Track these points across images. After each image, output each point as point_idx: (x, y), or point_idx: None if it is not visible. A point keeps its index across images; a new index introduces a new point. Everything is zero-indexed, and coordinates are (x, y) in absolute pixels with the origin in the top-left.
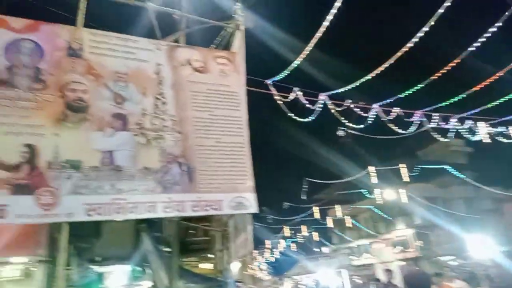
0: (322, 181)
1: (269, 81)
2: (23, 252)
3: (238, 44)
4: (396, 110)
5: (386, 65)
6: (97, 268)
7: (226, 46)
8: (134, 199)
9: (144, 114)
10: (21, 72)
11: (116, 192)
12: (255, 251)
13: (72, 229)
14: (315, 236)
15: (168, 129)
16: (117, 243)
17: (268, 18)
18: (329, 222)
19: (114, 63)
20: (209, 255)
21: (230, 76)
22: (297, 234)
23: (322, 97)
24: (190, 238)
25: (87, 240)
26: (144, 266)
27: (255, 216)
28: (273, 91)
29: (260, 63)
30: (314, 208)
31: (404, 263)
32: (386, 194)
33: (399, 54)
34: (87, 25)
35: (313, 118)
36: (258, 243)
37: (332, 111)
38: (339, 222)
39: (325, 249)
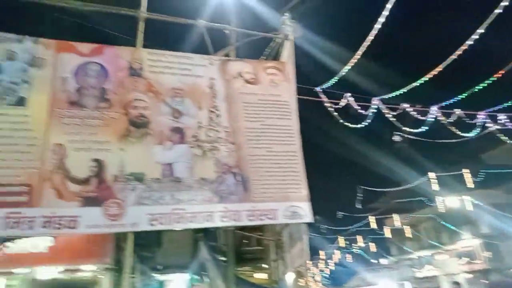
0: (378, 189)
1: (318, 89)
2: (91, 260)
3: (287, 53)
4: (458, 112)
5: (443, 66)
6: (158, 276)
7: (276, 57)
8: (193, 209)
9: (199, 127)
10: (88, 93)
11: (176, 203)
12: (309, 262)
13: (135, 239)
14: (372, 246)
15: (222, 140)
16: (177, 252)
17: (315, 26)
18: (387, 232)
19: (171, 80)
20: (263, 265)
21: (280, 85)
22: (353, 244)
23: (375, 101)
24: (244, 247)
25: (150, 249)
26: (202, 274)
27: (308, 226)
28: (324, 98)
29: (309, 71)
30: (370, 217)
31: (471, 275)
32: (448, 201)
33: (458, 53)
34: (144, 45)
35: (366, 123)
36: (312, 254)
37: (387, 115)
38: (397, 232)
39: (383, 261)
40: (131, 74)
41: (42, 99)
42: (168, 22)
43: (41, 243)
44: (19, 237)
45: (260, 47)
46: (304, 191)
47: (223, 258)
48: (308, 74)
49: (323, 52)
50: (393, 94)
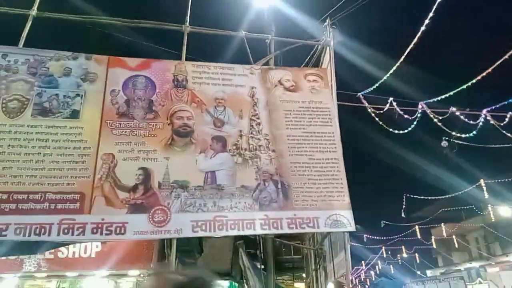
0: (423, 197)
1: (361, 94)
2: (136, 266)
3: (327, 60)
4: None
5: (493, 67)
6: None
7: (316, 64)
8: (234, 216)
9: (241, 135)
10: (137, 105)
11: (218, 210)
12: (351, 272)
13: (178, 245)
14: (418, 257)
15: (263, 148)
16: (217, 259)
17: (355, 32)
18: (434, 242)
19: (214, 90)
20: (303, 274)
21: (321, 92)
22: (397, 255)
23: (421, 106)
24: (283, 256)
25: (191, 255)
26: (241, 282)
27: (350, 235)
28: (366, 103)
29: (350, 77)
30: (416, 226)
31: None
32: (501, 210)
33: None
34: (187, 56)
35: (411, 129)
36: (354, 264)
37: (435, 119)
38: (444, 242)
39: (429, 272)
40: (176, 86)
41: (94, 112)
42: (210, 34)
43: (90, 249)
44: (73, 243)
45: (301, 55)
46: (346, 199)
47: (263, 266)
48: (349, 80)
49: (364, 58)
50: (440, 97)
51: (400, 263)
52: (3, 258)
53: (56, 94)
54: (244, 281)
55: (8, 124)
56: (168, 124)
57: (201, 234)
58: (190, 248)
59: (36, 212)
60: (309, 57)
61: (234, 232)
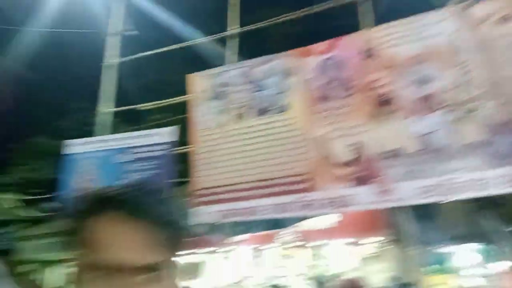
0: None
1: None
2: (373, 234)
3: None
4: None
5: None
6: (440, 248)
7: None
8: (461, 178)
9: (449, 90)
10: (333, 86)
11: (443, 173)
12: None
13: (413, 211)
14: None
15: (480, 97)
16: (457, 223)
17: None
18: None
19: (407, 49)
20: None
21: None
22: None
23: None
24: None
25: (429, 220)
26: (487, 245)
27: None
28: None
29: None
30: None
31: None
32: None
33: None
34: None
35: None
36: None
37: None
38: None
39: None
40: (366, 57)
41: (299, 102)
42: None
43: (324, 221)
44: (307, 217)
45: None
46: None
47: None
48: None
49: None
50: None
51: None
52: (261, 233)
53: (267, 95)
54: (490, 244)
55: (238, 127)
56: (367, 97)
57: (427, 200)
58: (426, 213)
59: (276, 195)
60: None
61: (464, 195)
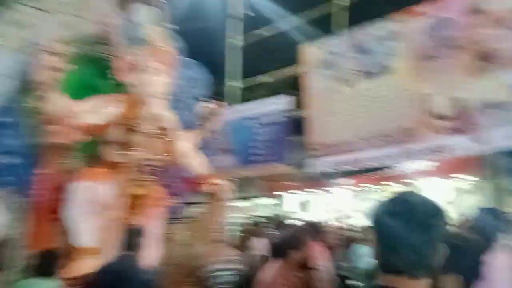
0: None
1: None
2: (470, 172)
3: None
4: None
5: None
6: None
7: None
8: None
9: None
10: (441, 45)
11: None
12: None
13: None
14: None
15: None
16: None
17: None
18: None
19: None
20: None
21: None
22: None
23: None
24: None
25: None
26: None
27: None
28: None
29: None
30: None
31: None
32: None
33: None
34: None
35: None
36: None
37: None
38: None
39: None
40: (474, 12)
41: (403, 63)
42: None
43: (429, 165)
44: (413, 163)
45: None
46: None
47: None
48: None
49: None
50: None
51: None
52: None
53: (374, 59)
54: None
55: (348, 90)
56: (474, 53)
57: None
58: None
59: (383, 146)
60: None
61: None
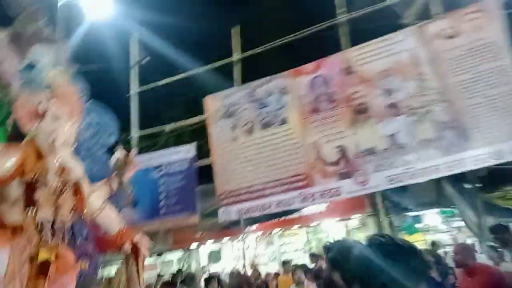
0: None
1: None
2: (357, 212)
3: None
4: None
5: None
6: (411, 214)
7: None
8: (420, 166)
9: (410, 97)
10: (321, 99)
11: (405, 164)
12: None
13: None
14: None
15: (434, 101)
16: (423, 193)
17: None
18: None
19: (378, 65)
20: None
21: (485, 27)
22: None
23: None
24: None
25: (399, 194)
26: (451, 207)
27: None
28: None
29: None
30: None
31: None
32: None
33: None
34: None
35: None
36: None
37: None
38: None
39: None
40: (346, 73)
41: (295, 115)
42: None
43: (321, 207)
44: (307, 206)
45: None
46: None
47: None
48: None
49: None
50: None
51: None
52: (270, 221)
53: (268, 111)
54: (453, 206)
55: (248, 140)
56: (348, 107)
57: (396, 185)
58: (397, 189)
59: (282, 192)
60: None
61: (424, 178)
